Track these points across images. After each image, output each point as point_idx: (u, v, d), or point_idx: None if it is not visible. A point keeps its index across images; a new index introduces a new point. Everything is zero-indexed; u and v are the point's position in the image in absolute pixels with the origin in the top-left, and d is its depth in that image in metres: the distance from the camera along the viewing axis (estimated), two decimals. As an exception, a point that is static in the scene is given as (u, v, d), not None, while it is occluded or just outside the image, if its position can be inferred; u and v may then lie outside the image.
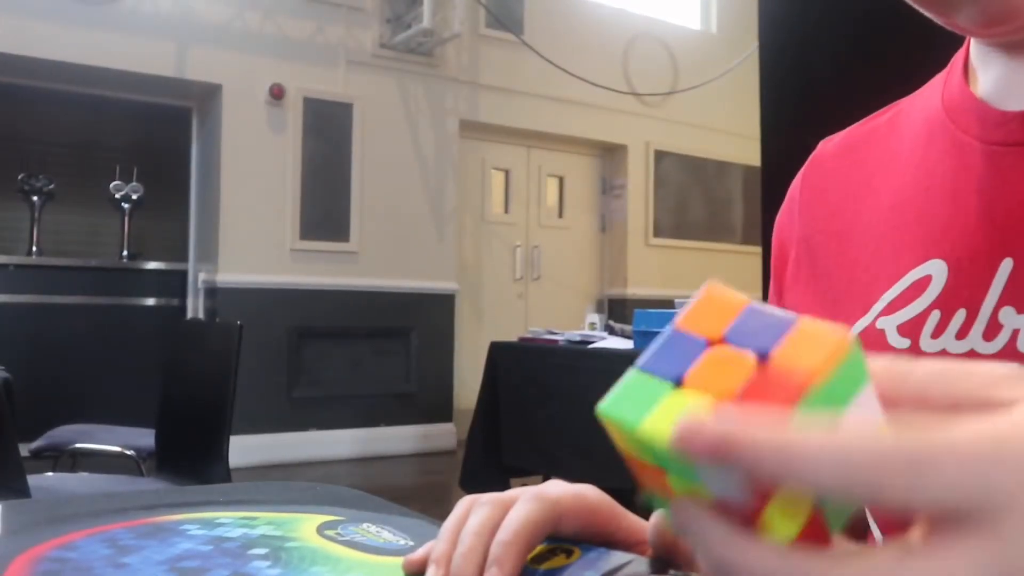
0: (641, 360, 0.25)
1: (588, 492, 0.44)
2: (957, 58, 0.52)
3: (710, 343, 0.25)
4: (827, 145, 0.59)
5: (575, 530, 0.43)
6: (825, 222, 0.55)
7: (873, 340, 0.48)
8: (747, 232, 6.69)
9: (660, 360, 0.25)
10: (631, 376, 0.25)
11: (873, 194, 0.52)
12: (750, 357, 0.24)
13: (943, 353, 0.45)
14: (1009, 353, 0.43)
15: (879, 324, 0.48)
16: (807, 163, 0.59)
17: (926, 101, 0.53)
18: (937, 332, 0.46)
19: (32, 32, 4.28)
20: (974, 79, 0.50)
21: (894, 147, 0.53)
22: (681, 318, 0.26)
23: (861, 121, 0.58)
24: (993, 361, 0.43)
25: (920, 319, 0.46)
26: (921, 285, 0.47)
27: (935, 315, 0.46)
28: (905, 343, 0.47)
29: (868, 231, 0.51)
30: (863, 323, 0.49)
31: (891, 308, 0.48)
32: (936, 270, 0.46)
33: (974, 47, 0.50)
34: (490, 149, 5.78)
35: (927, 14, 0.46)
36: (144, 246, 5.20)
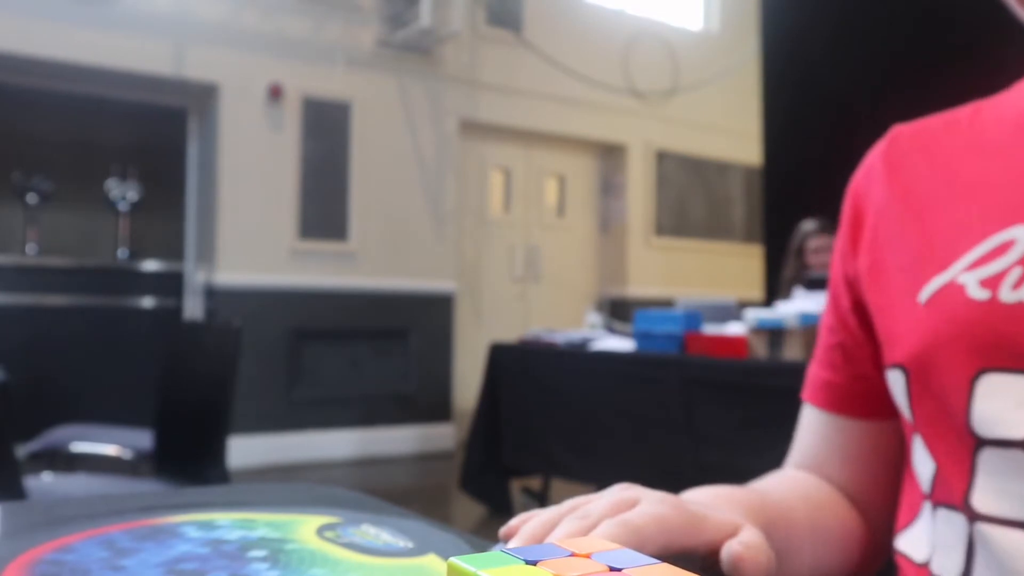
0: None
1: (669, 515, 0.41)
2: None
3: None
4: (902, 128, 0.63)
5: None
6: (904, 194, 0.59)
7: (952, 293, 0.52)
8: (748, 231, 6.69)
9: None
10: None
11: (953, 174, 0.56)
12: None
13: (1021, 303, 0.48)
14: None
15: (960, 279, 0.52)
16: (884, 140, 0.63)
17: (1016, 97, 0.57)
18: (1018, 284, 0.49)
19: (28, 30, 4.27)
20: None
21: (976, 139, 0.57)
22: None
23: (936, 114, 0.62)
24: None
25: (1001, 274, 0.50)
26: (1005, 247, 0.50)
27: (1017, 271, 0.49)
28: (986, 294, 0.50)
29: (948, 203, 0.55)
30: (942, 279, 0.53)
31: (973, 266, 0.51)
32: (1020, 234, 0.50)
33: None
34: (490, 148, 5.78)
35: None
36: (141, 246, 5.20)
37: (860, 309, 0.61)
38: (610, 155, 6.28)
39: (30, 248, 4.96)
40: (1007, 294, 0.49)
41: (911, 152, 0.60)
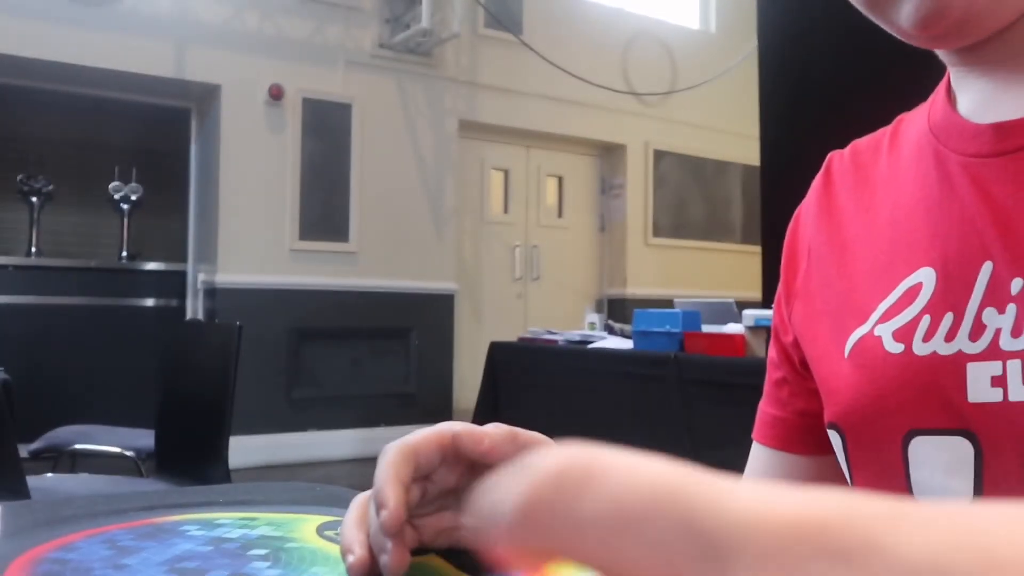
0: None
1: (450, 425, 0.45)
2: (943, 80, 0.55)
3: None
4: (836, 159, 0.62)
5: (436, 463, 0.47)
6: (830, 235, 0.58)
7: (871, 347, 0.51)
8: (746, 232, 6.69)
9: None
10: None
11: (875, 209, 0.55)
12: None
13: (934, 355, 0.47)
14: (993, 352, 0.45)
15: (876, 331, 0.51)
16: (819, 176, 0.62)
17: (919, 119, 0.56)
18: (928, 336, 0.48)
19: (30, 33, 4.28)
20: (956, 99, 0.53)
21: (894, 163, 0.56)
22: None
23: (868, 136, 0.60)
24: (980, 360, 0.45)
25: (912, 324, 0.49)
26: (913, 292, 0.50)
27: (926, 320, 0.48)
28: (899, 348, 0.49)
29: (868, 245, 0.54)
30: (862, 331, 0.52)
31: (887, 316, 0.51)
32: (926, 277, 0.49)
33: (952, 71, 0.53)
34: (489, 149, 5.78)
35: (869, 16, 0.49)
36: (143, 247, 5.20)
37: (800, 348, 0.59)
38: (609, 155, 6.28)
39: (33, 249, 4.96)
40: (919, 347, 0.48)
41: (841, 187, 0.59)
